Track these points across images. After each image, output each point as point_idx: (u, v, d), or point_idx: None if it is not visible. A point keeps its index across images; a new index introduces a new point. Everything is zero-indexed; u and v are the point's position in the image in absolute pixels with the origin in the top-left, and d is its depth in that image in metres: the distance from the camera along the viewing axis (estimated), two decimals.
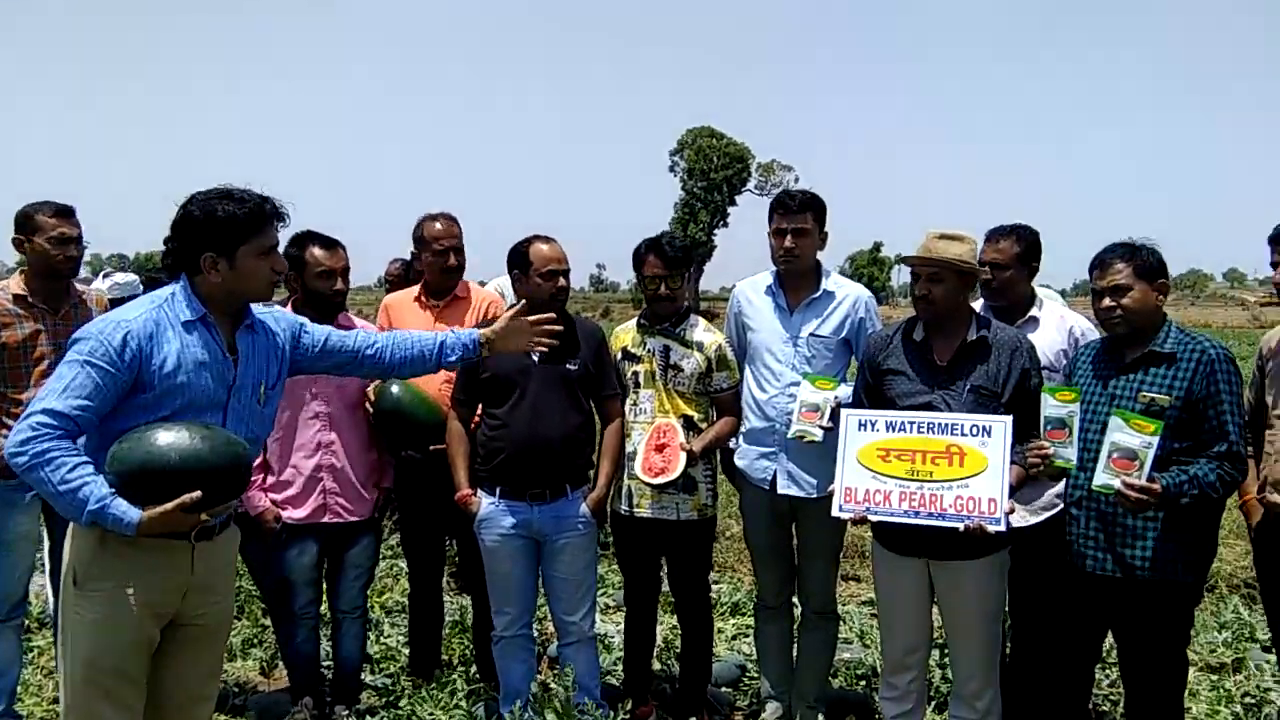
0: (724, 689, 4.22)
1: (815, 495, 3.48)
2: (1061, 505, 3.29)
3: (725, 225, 70.71)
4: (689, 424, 3.61)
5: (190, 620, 2.59)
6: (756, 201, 72.05)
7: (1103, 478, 2.84)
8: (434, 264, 3.98)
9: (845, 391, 3.40)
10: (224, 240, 2.48)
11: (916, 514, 2.93)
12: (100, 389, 2.32)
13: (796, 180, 72.80)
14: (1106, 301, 3.01)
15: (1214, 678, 4.26)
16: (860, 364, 3.38)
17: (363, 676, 4.04)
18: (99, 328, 2.39)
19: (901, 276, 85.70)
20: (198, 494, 2.31)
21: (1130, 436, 2.81)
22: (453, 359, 2.98)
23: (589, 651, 3.65)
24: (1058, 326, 3.56)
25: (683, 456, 3.47)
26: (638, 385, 3.65)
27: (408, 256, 6.14)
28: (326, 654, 4.02)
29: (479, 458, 3.55)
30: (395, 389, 3.64)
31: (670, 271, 3.60)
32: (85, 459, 2.30)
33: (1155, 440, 2.78)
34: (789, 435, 3.41)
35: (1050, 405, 2.96)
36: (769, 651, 3.89)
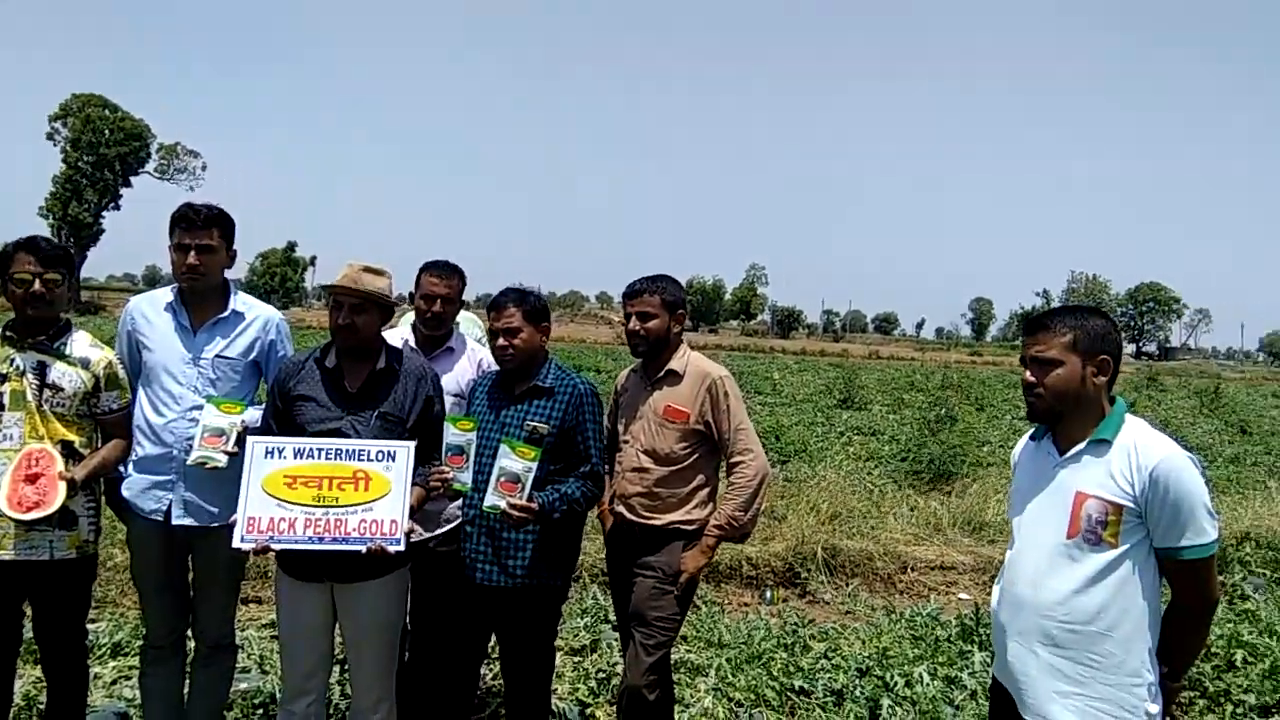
0: None
1: (215, 525, 3.32)
2: (459, 521, 3.60)
3: (117, 208, 62.94)
4: (69, 450, 3.18)
5: None
6: (157, 185, 65.54)
7: (491, 499, 3.19)
8: None
9: (253, 415, 3.31)
10: None
11: (321, 540, 2.95)
12: None
13: (204, 168, 67.87)
14: (501, 341, 3.39)
15: (576, 659, 4.95)
16: (270, 389, 3.31)
17: None
18: None
19: (316, 278, 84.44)
20: None
21: (514, 462, 3.19)
22: None
23: None
24: (469, 358, 3.90)
25: (62, 487, 3.05)
26: (1, 408, 3.13)
27: None
28: None
29: None
30: None
31: (46, 268, 3.14)
32: None
33: (534, 465, 3.20)
34: (189, 462, 3.20)
35: (451, 433, 3.25)
36: (156, 694, 3.57)
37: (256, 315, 3.50)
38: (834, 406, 19.27)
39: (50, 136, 61.15)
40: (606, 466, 3.68)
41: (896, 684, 4.65)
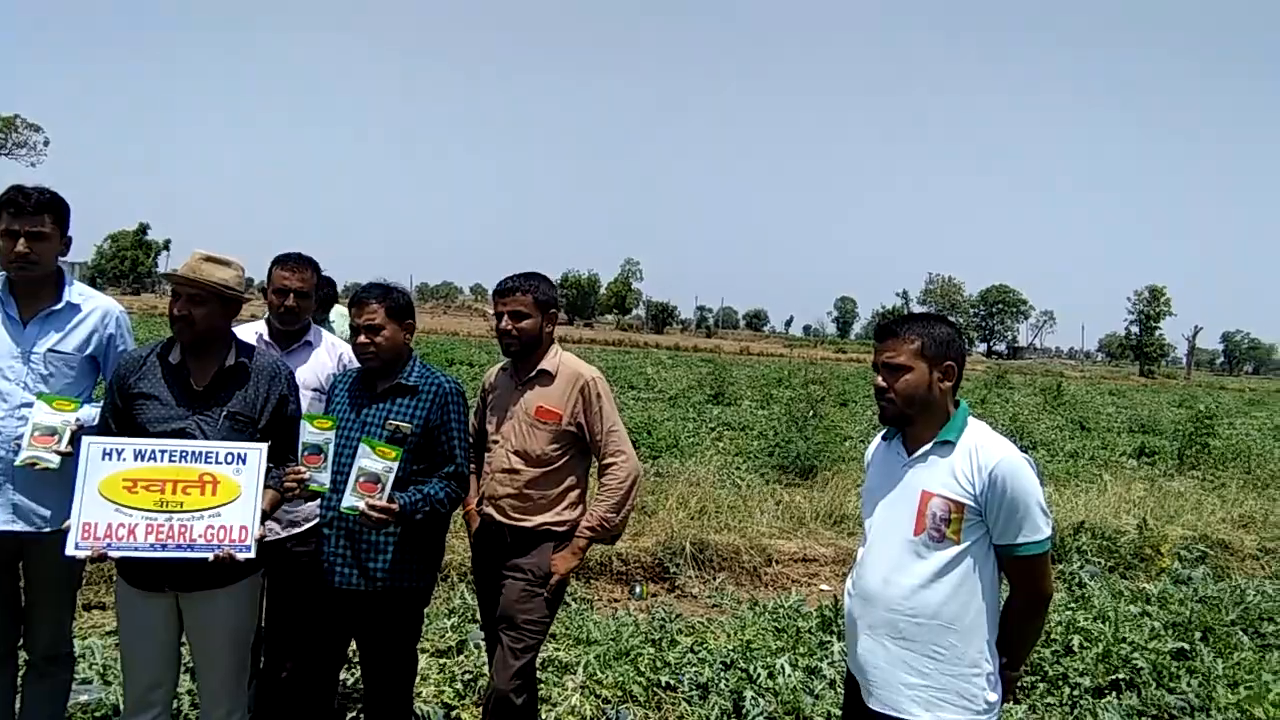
0: None
1: (47, 530, 3.11)
2: (316, 521, 3.49)
3: None
4: None
5: None
6: None
7: (350, 500, 3.10)
8: None
9: (89, 413, 3.11)
10: None
11: (164, 547, 2.80)
12: None
13: (47, 143, 63.94)
14: (362, 338, 3.30)
15: (442, 660, 4.86)
16: (109, 386, 3.12)
17: None
18: None
19: (171, 262, 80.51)
20: None
21: (374, 462, 3.10)
22: None
23: None
24: (329, 352, 3.81)
25: None
26: None
27: None
28: None
29: None
30: None
31: None
32: None
33: (395, 465, 3.13)
34: (18, 462, 2.99)
35: (308, 432, 3.13)
36: None
37: (94, 307, 3.29)
38: (705, 402, 19.56)
39: None
40: (472, 466, 3.62)
41: (760, 676, 4.75)
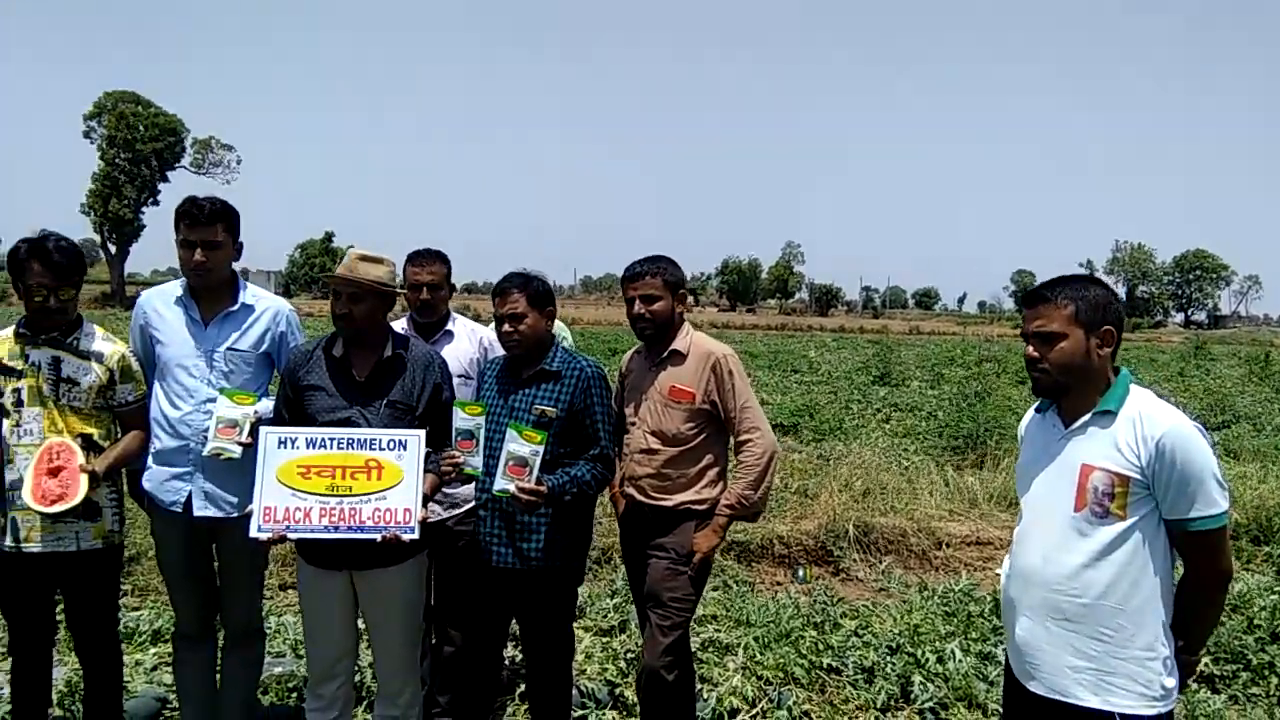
0: None
1: (235, 515, 3.36)
2: (474, 503, 3.63)
3: (156, 203, 63.80)
4: (89, 443, 3.25)
5: None
6: (194, 179, 66.63)
7: (501, 483, 3.20)
8: None
9: (266, 406, 3.34)
10: None
11: (336, 529, 2.99)
12: None
13: (239, 161, 68.80)
14: (506, 327, 3.39)
15: (604, 639, 4.96)
16: (281, 379, 3.35)
17: None
18: None
19: None
20: None
21: (521, 446, 3.19)
22: None
23: None
24: (469, 338, 3.96)
25: (84, 479, 3.11)
26: (20, 404, 3.19)
27: None
28: None
29: None
30: None
31: (60, 282, 3.17)
32: None
33: (541, 449, 3.21)
34: (205, 453, 3.25)
35: (460, 419, 3.26)
36: (190, 682, 3.65)
37: (266, 307, 3.53)
38: (871, 383, 19.08)
39: (87, 135, 62.05)
40: (617, 449, 3.67)
41: (928, 661, 4.61)
